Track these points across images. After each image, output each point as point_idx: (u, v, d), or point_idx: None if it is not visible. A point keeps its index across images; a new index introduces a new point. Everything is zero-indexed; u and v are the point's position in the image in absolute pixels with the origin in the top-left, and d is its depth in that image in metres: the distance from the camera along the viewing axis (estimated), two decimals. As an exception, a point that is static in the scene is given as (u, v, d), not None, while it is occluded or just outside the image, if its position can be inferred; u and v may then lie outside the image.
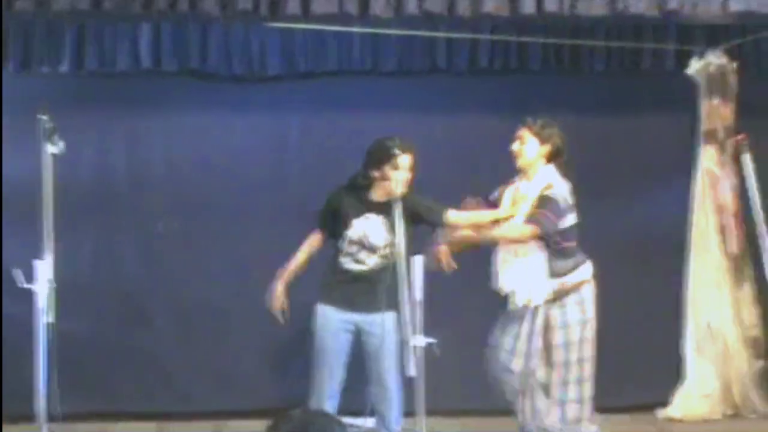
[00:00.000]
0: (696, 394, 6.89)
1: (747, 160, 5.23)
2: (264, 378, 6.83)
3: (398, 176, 5.21)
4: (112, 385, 6.75)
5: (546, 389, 5.39)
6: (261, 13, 5.85)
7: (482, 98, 6.89)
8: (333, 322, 5.31)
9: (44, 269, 4.75)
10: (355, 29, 6.48)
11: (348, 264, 5.35)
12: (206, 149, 6.86)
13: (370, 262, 5.34)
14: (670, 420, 6.82)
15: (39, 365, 4.75)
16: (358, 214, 5.34)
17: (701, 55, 6.85)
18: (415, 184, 5.32)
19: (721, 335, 6.92)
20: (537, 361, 5.37)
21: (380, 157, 5.28)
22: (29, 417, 4.84)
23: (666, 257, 6.99)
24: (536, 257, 5.38)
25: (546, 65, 6.89)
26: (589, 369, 5.43)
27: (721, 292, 6.95)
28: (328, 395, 5.28)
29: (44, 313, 4.74)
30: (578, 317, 5.41)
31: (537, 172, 5.46)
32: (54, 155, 4.82)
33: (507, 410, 5.54)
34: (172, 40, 6.67)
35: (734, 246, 6.92)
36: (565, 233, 5.41)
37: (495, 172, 5.67)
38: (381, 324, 5.28)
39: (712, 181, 6.95)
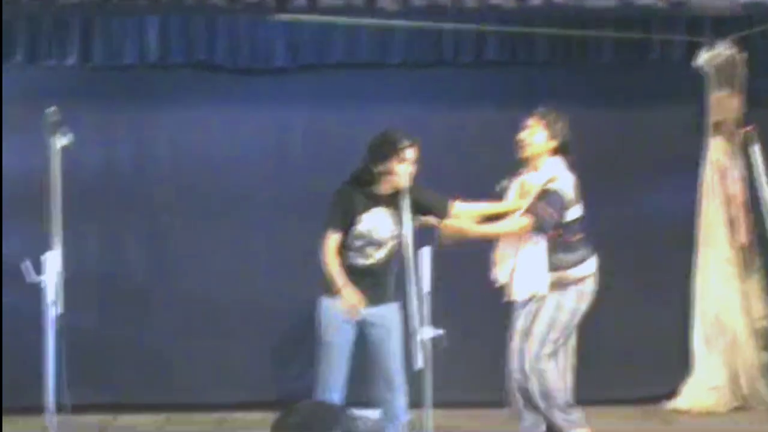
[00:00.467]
0: (704, 386, 6.88)
1: (756, 150, 5.22)
2: (267, 371, 6.84)
3: (404, 169, 5.20)
4: (117, 377, 6.78)
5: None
6: (268, 5, 5.86)
7: (489, 90, 6.88)
8: (338, 316, 5.30)
9: (53, 261, 4.75)
10: (361, 21, 6.47)
11: (354, 259, 5.33)
12: (212, 141, 6.86)
13: (377, 255, 5.33)
14: (678, 412, 6.81)
15: (48, 357, 4.76)
16: (366, 210, 5.32)
17: (710, 46, 6.83)
18: (421, 176, 5.30)
19: (730, 327, 6.90)
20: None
21: (386, 150, 5.24)
22: (38, 408, 4.86)
23: (674, 248, 6.96)
24: (536, 249, 5.37)
25: (553, 57, 6.87)
26: (557, 347, 5.41)
27: (729, 283, 6.92)
28: (333, 388, 5.27)
29: (54, 305, 4.75)
30: (572, 305, 5.41)
31: (543, 164, 5.45)
32: (63, 147, 4.82)
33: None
34: (179, 33, 6.68)
35: (743, 237, 6.90)
36: (569, 227, 5.39)
37: (502, 165, 5.66)
38: (386, 316, 5.30)
39: (720, 172, 6.92)
